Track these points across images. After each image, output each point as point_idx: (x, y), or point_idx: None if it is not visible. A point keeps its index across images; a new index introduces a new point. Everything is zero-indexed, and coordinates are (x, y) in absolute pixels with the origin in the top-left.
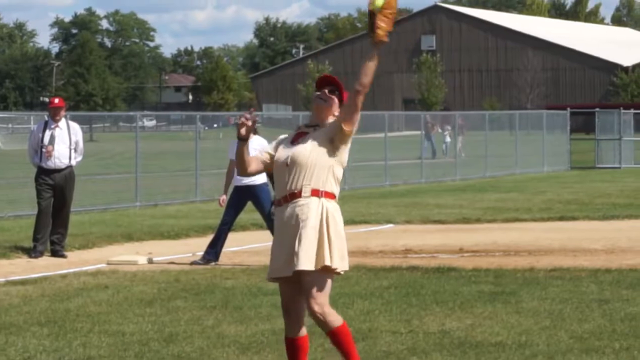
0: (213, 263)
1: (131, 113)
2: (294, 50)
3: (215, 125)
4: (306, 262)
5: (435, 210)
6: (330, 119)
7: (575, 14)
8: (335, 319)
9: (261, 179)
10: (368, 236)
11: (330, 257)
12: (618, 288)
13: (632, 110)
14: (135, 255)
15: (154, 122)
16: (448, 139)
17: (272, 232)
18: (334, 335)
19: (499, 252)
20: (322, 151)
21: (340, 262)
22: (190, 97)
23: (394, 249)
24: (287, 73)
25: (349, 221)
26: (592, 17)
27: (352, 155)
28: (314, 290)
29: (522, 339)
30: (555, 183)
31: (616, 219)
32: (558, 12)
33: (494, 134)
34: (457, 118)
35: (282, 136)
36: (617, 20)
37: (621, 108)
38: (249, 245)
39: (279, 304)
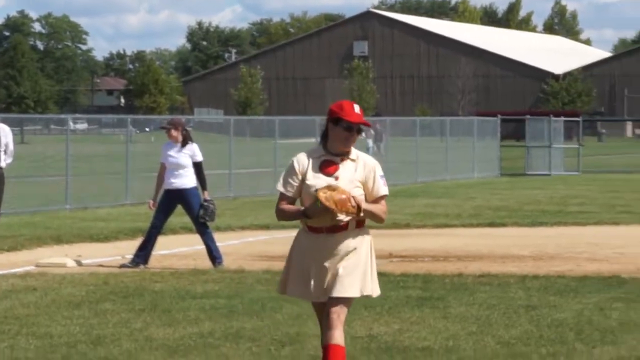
0: (142, 266)
1: (62, 116)
2: (226, 55)
3: (147, 129)
4: (351, 289)
5: None
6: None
7: (507, 21)
8: (343, 339)
9: (191, 182)
10: (285, 241)
11: (372, 286)
12: (545, 294)
13: (562, 118)
14: (64, 258)
15: (85, 125)
16: (370, 144)
17: (202, 235)
18: (332, 350)
19: (428, 257)
20: (359, 187)
21: (376, 289)
22: (122, 100)
23: None
24: (219, 77)
25: (261, 226)
26: (524, 24)
27: (280, 159)
28: (343, 309)
29: (449, 344)
30: (485, 189)
31: (545, 225)
32: (490, 19)
33: (425, 140)
34: (375, 124)
35: (302, 161)
36: (549, 28)
37: (551, 115)
38: (178, 248)
39: (207, 307)
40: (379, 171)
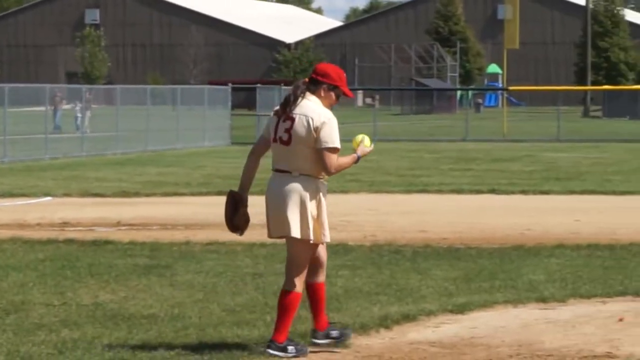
0: None
1: None
2: None
3: None
4: None
5: (95, 184)
6: None
7: None
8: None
9: None
10: (26, 209)
11: None
12: (272, 262)
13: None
14: None
15: None
16: (79, 114)
17: None
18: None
19: (156, 225)
20: None
21: None
22: None
23: (52, 221)
24: None
25: (7, 194)
26: None
27: (11, 127)
28: None
29: (174, 311)
30: (215, 158)
31: None
32: None
33: (156, 109)
34: (84, 92)
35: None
36: None
37: (282, 84)
38: None
39: None
40: None
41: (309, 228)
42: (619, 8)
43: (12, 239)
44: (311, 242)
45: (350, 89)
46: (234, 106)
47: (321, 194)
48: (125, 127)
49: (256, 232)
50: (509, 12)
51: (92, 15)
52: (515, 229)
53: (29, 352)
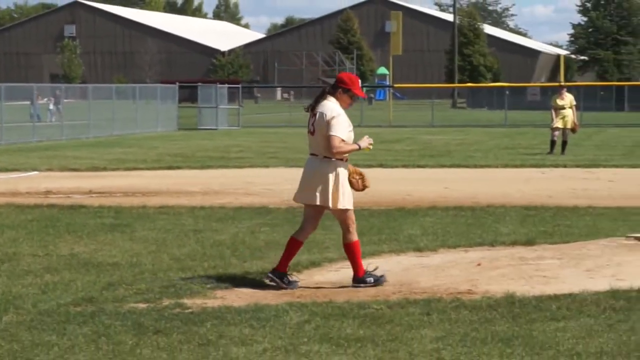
0: None
1: None
2: None
3: None
4: None
5: (72, 161)
6: None
7: (185, 9)
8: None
9: None
10: (17, 181)
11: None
12: (209, 221)
13: (226, 85)
14: None
15: None
16: (51, 107)
17: None
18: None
19: (120, 193)
20: None
21: None
22: None
23: (38, 190)
24: None
25: (2, 169)
26: (197, 12)
27: (6, 117)
28: None
29: (133, 260)
30: (166, 141)
31: (211, 168)
32: (171, 8)
33: (120, 102)
34: (55, 91)
35: (344, 112)
36: (217, 15)
37: (218, 83)
38: None
39: None
40: None
41: (327, 198)
42: (479, 23)
43: (6, 204)
44: (330, 207)
45: (270, 87)
46: (181, 100)
47: (339, 171)
48: (96, 117)
49: (198, 198)
50: (394, 26)
51: (70, 30)
52: (398, 194)
53: (19, 292)
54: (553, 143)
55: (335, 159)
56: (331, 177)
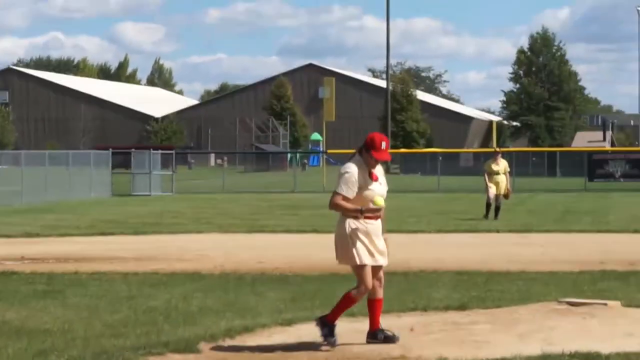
0: None
1: None
2: None
3: None
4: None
5: (4, 227)
6: None
7: (119, 76)
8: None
9: None
10: None
11: None
12: (142, 287)
13: (160, 151)
14: None
15: None
16: None
17: None
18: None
19: (52, 259)
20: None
21: None
22: None
23: None
24: None
25: None
26: (131, 78)
27: None
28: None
29: (65, 326)
30: (99, 206)
31: (145, 234)
32: (105, 74)
33: (53, 169)
34: None
35: (356, 172)
36: (151, 81)
37: (151, 149)
38: None
39: None
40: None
41: (342, 255)
42: (412, 89)
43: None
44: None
45: (204, 153)
46: (114, 166)
47: (351, 229)
48: (29, 183)
49: (131, 264)
50: (327, 92)
51: (3, 96)
52: (331, 260)
53: None
54: (488, 206)
55: (345, 215)
56: (343, 234)
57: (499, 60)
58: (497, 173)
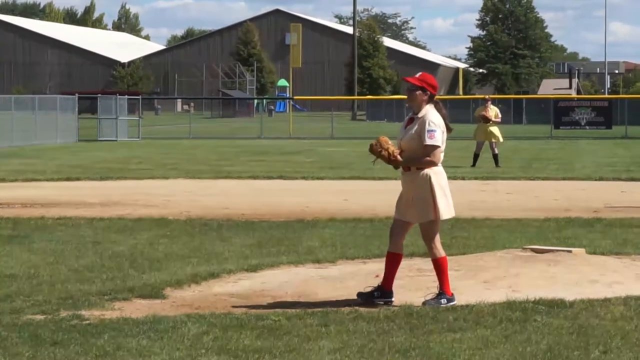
0: None
1: None
2: None
3: None
4: (412, 218)
5: None
6: (419, 106)
7: (85, 21)
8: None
9: None
10: None
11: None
12: (108, 232)
13: (126, 97)
14: None
15: None
16: None
17: None
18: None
19: (18, 204)
20: (414, 139)
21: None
22: None
23: None
24: None
25: None
26: (98, 23)
27: None
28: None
29: (31, 271)
30: (65, 152)
31: (110, 179)
32: (71, 19)
33: (19, 113)
34: None
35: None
36: (117, 26)
37: (118, 95)
38: None
39: None
40: (428, 126)
41: (425, 212)
42: (378, 36)
43: None
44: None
45: (170, 99)
46: (80, 111)
47: (438, 184)
48: None
49: (97, 209)
50: (294, 38)
51: None
52: (297, 206)
53: None
54: (476, 156)
55: (422, 169)
56: (426, 188)
57: (466, 7)
58: (488, 121)
